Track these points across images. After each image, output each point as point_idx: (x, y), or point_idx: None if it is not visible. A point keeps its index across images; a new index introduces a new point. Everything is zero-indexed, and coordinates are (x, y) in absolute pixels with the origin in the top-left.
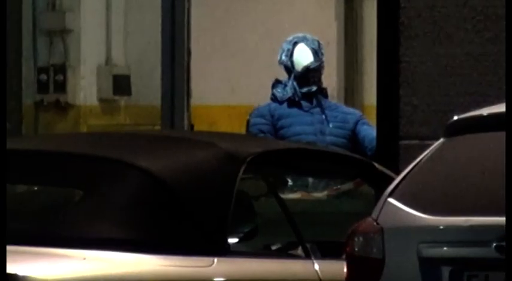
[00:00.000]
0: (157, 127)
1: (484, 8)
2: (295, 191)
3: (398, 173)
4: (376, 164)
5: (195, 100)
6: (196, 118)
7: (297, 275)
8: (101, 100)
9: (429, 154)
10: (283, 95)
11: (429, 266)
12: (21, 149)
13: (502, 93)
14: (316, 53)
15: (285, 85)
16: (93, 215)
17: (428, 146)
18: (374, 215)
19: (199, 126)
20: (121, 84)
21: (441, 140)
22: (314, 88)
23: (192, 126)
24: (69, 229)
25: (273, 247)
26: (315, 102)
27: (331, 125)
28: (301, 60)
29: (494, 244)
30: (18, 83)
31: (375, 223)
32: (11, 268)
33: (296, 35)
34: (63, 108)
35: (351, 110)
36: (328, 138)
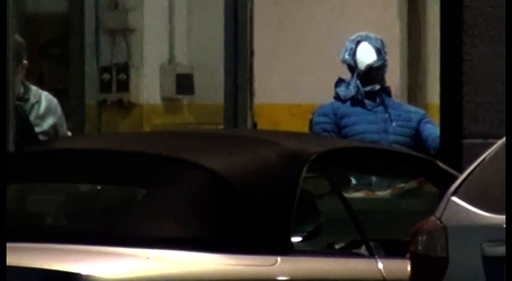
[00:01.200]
0: (221, 126)
1: None
2: (358, 190)
3: (461, 171)
4: (439, 163)
5: (258, 99)
6: (260, 117)
7: (361, 274)
8: (164, 99)
9: (492, 152)
10: (347, 93)
11: (493, 265)
12: (84, 149)
13: None
14: (379, 51)
15: (348, 84)
16: (157, 214)
17: (492, 144)
18: (437, 213)
19: (263, 125)
20: (184, 83)
21: (504, 138)
22: (377, 87)
23: (255, 125)
24: (133, 228)
25: (337, 246)
26: (378, 100)
27: (394, 124)
28: (365, 59)
29: None
30: (81, 83)
31: (438, 222)
32: (75, 267)
33: (359, 33)
34: (126, 107)
35: (414, 108)
36: (392, 137)
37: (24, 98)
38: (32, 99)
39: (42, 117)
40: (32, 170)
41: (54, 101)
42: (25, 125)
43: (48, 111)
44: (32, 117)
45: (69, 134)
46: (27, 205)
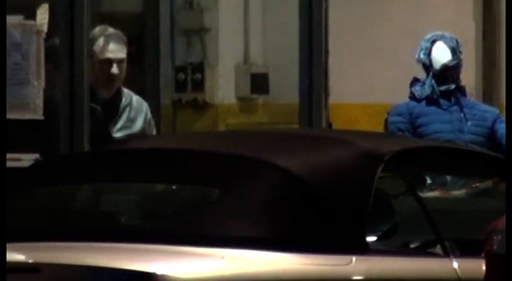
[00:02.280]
0: (295, 126)
1: None
2: (433, 189)
3: None
4: None
5: (333, 98)
6: (334, 116)
7: (436, 273)
8: (239, 99)
9: None
10: (422, 93)
11: None
12: (159, 148)
13: None
14: (455, 51)
15: (424, 83)
16: (232, 213)
17: None
18: None
19: (337, 124)
20: (259, 82)
21: None
22: (452, 86)
23: (330, 125)
24: (208, 228)
25: (412, 246)
26: (453, 100)
27: (469, 123)
28: (440, 58)
29: None
30: (156, 82)
31: None
32: (150, 267)
33: (434, 33)
34: (201, 107)
35: (489, 108)
36: (467, 136)
37: (116, 101)
38: (124, 102)
39: (132, 120)
40: (106, 169)
41: (145, 104)
42: (100, 126)
43: (139, 114)
44: (122, 120)
45: None
46: (103, 205)
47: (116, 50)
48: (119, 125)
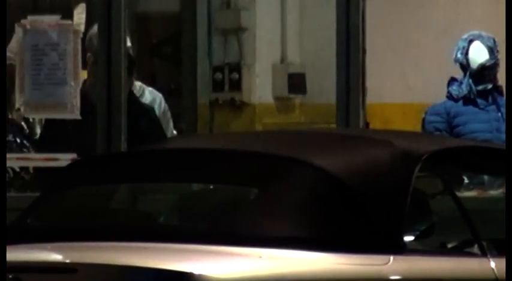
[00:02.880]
0: (333, 125)
1: None
2: (471, 189)
3: None
4: None
5: (370, 98)
6: (372, 116)
7: (473, 273)
8: (276, 99)
9: None
10: (459, 92)
11: None
12: (196, 148)
13: None
14: (492, 50)
15: (461, 83)
16: (269, 213)
17: None
18: None
19: (375, 124)
20: (296, 82)
21: None
22: (490, 86)
23: (367, 125)
24: (245, 228)
25: (449, 245)
26: (490, 99)
27: None
28: (477, 58)
29: None
30: (194, 82)
31: None
32: (187, 266)
33: (471, 32)
34: (238, 106)
35: None
36: (504, 136)
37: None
38: (136, 94)
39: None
40: (143, 169)
41: (159, 96)
42: (153, 125)
43: (152, 104)
44: (134, 112)
45: (174, 132)
46: (139, 205)
47: None
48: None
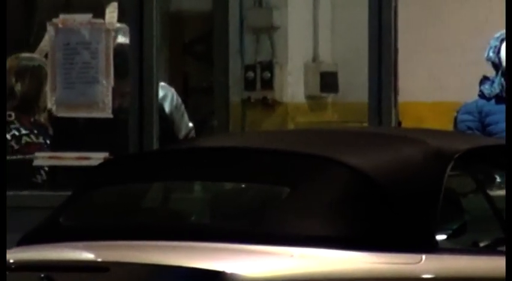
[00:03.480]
0: (365, 124)
1: None
2: (503, 188)
3: None
4: None
5: (402, 97)
6: (404, 115)
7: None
8: (308, 97)
9: None
10: (491, 91)
11: None
12: (228, 147)
13: None
14: None
15: (493, 82)
16: (301, 212)
17: None
18: None
19: (407, 123)
20: (328, 81)
21: None
22: None
23: (399, 123)
24: (277, 226)
25: (481, 244)
26: None
27: None
28: None
29: None
30: (225, 81)
31: None
32: (219, 265)
33: (503, 31)
34: (270, 105)
35: None
36: None
37: None
38: None
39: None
40: (175, 168)
41: (171, 90)
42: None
43: (164, 100)
44: None
45: (190, 124)
46: (171, 203)
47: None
48: None
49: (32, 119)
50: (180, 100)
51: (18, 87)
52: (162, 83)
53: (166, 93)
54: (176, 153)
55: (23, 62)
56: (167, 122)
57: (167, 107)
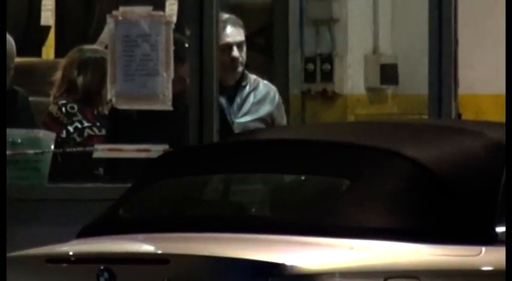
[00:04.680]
0: (425, 116)
1: None
2: None
3: None
4: None
5: (462, 89)
6: (464, 107)
7: None
8: (368, 89)
9: None
10: None
11: None
12: (288, 139)
13: None
14: None
15: None
16: (361, 204)
17: None
18: None
19: (467, 115)
20: (388, 73)
21: None
22: None
23: (459, 115)
24: (336, 218)
25: None
26: None
27: None
28: None
29: None
30: (285, 73)
31: None
32: (279, 257)
33: None
34: (330, 97)
35: None
36: None
37: (241, 86)
38: (248, 88)
39: (258, 104)
40: (235, 160)
41: (274, 89)
42: (224, 111)
43: (265, 98)
44: (248, 104)
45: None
46: (231, 196)
47: (234, 34)
48: (244, 109)
49: (94, 112)
50: (281, 100)
51: (80, 79)
52: (265, 81)
53: (268, 92)
54: (236, 145)
55: (87, 54)
56: (265, 121)
57: (268, 106)
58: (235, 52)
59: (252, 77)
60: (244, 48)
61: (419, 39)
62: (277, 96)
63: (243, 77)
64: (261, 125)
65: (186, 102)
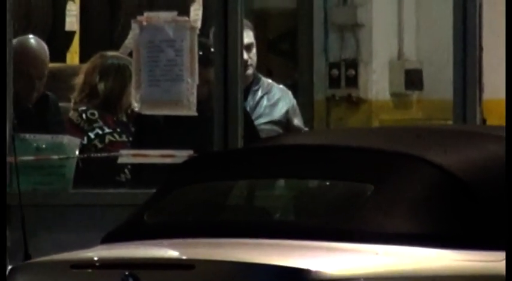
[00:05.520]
0: (449, 122)
1: None
2: None
3: None
4: None
5: (487, 94)
6: (488, 112)
7: None
8: (393, 95)
9: None
10: None
11: None
12: (312, 144)
13: None
14: None
15: None
16: (386, 210)
17: None
18: None
19: (492, 121)
20: (413, 78)
21: None
22: None
23: (484, 121)
24: (361, 224)
25: None
26: None
27: None
28: None
29: None
30: (310, 78)
31: None
32: (304, 263)
33: None
34: (354, 103)
35: None
36: None
37: (253, 89)
38: (261, 92)
39: (272, 106)
40: (259, 166)
41: (289, 92)
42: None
43: (280, 101)
44: (261, 108)
45: (305, 129)
46: (255, 201)
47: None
48: (258, 112)
49: (114, 118)
50: (296, 103)
51: (102, 86)
52: (280, 86)
53: (282, 95)
54: (261, 151)
55: (109, 60)
56: (280, 123)
57: (283, 108)
58: (244, 55)
59: (266, 80)
60: (254, 50)
61: (444, 45)
62: (292, 99)
63: (255, 79)
64: (275, 128)
65: (211, 108)
